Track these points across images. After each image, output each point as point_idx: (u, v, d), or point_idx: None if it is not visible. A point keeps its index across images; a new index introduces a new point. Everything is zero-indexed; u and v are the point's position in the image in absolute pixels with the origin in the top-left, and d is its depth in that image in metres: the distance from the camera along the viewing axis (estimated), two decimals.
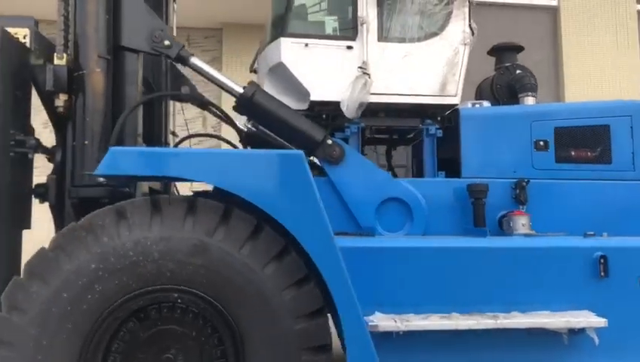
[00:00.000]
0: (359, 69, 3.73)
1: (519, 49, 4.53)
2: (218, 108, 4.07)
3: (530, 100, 4.17)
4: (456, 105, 3.89)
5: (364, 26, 3.78)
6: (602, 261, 3.11)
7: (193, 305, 2.62)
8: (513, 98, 4.25)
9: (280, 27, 3.88)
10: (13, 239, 3.34)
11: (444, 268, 3.04)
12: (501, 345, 2.98)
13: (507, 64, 4.42)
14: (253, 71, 4.54)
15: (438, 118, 3.96)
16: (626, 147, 3.90)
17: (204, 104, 4.37)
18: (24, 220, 3.49)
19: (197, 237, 2.55)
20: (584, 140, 3.90)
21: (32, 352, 2.46)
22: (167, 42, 3.60)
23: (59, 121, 3.56)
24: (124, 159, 2.65)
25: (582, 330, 2.97)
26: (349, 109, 3.66)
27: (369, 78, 3.69)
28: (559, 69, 10.49)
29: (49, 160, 3.75)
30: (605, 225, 3.63)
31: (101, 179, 3.33)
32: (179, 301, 2.61)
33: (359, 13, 3.81)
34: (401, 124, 3.98)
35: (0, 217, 3.16)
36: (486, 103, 4.19)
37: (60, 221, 3.58)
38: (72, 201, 3.40)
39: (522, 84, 4.18)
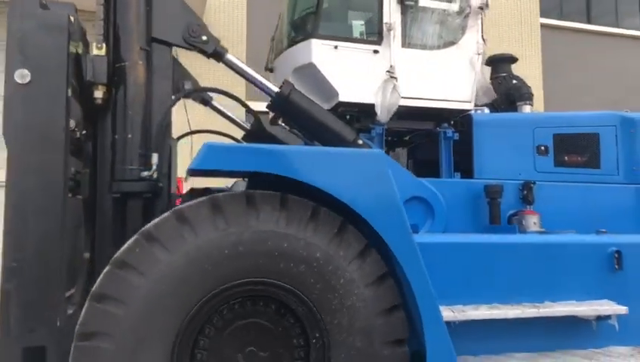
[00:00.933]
0: (387, 73, 3.94)
1: (514, 60, 4.93)
2: (242, 102, 4.09)
3: (527, 108, 4.57)
4: (470, 110, 4.20)
5: (391, 32, 4.00)
6: (617, 255, 3.52)
7: (281, 298, 2.72)
8: (511, 105, 4.63)
9: (309, 28, 4.01)
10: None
11: (488, 262, 3.31)
12: (537, 331, 3.30)
13: (503, 74, 4.80)
14: (269, 70, 4.61)
15: (452, 122, 4.24)
16: (612, 154, 4.38)
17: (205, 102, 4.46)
18: None
19: (290, 233, 2.65)
20: (578, 146, 4.34)
21: (129, 343, 2.46)
22: (204, 37, 3.63)
23: (93, 113, 3.49)
24: (221, 154, 2.69)
25: (606, 317, 3.37)
26: (382, 113, 3.86)
27: (397, 81, 3.91)
28: None
29: (73, 153, 3.65)
30: (596, 224, 4.07)
31: (145, 174, 3.34)
32: (268, 293, 2.70)
33: (385, 20, 4.02)
34: (418, 127, 4.23)
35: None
36: (486, 110, 4.54)
37: (91, 215, 3.51)
38: (113, 196, 3.35)
39: (521, 93, 4.58)
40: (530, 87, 4.67)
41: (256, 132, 4.58)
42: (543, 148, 4.26)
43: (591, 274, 3.48)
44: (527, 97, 4.57)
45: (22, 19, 2.94)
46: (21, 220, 2.79)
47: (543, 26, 13.80)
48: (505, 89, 4.67)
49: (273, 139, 4.63)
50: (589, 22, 15.06)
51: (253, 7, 11.71)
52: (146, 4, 3.54)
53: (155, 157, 3.43)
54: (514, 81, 4.68)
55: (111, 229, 3.37)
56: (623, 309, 3.34)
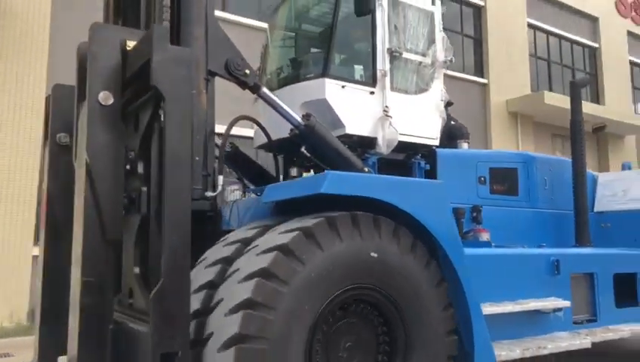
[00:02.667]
0: (384, 112, 4.76)
1: (450, 103, 6.04)
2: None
3: (465, 145, 5.71)
4: (437, 146, 5.18)
5: (384, 77, 4.83)
6: (556, 263, 4.73)
7: (372, 299, 3.37)
8: (451, 142, 5.70)
9: (321, 69, 4.67)
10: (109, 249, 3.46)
11: (492, 269, 4.27)
12: (516, 321, 4.33)
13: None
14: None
15: (420, 155, 5.17)
16: (525, 184, 5.69)
17: None
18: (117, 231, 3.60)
19: (385, 246, 3.33)
20: (505, 178, 5.56)
21: (279, 343, 2.92)
22: (247, 71, 4.12)
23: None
24: (341, 182, 3.28)
25: (556, 310, 4.53)
26: (383, 146, 4.67)
27: (391, 119, 4.75)
28: None
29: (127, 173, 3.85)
30: (517, 239, 5.32)
31: (209, 194, 3.76)
32: (364, 296, 3.34)
33: (379, 67, 4.85)
34: (398, 158, 5.08)
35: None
36: None
37: (143, 231, 3.75)
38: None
39: (461, 132, 5.70)
40: (467, 127, 5.83)
41: (235, 155, 5.12)
42: (482, 178, 5.41)
43: (540, 277, 4.63)
44: (466, 136, 5.72)
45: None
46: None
47: None
48: (447, 128, 5.73)
49: (251, 162, 5.21)
50: None
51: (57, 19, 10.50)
52: (205, 40, 3.95)
53: (220, 179, 3.84)
54: (452, 122, 5.77)
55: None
56: (567, 303, 4.55)
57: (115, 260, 3.41)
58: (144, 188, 3.55)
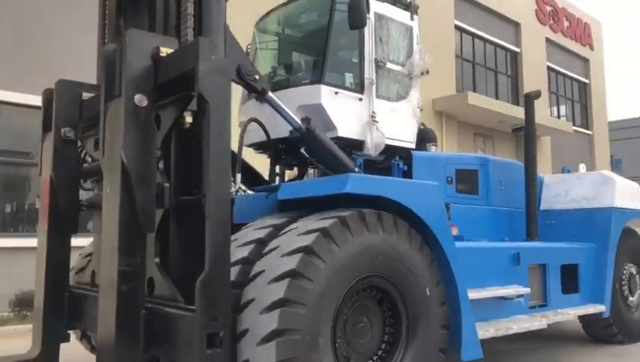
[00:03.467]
0: (371, 117, 5.27)
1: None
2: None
3: (433, 148, 6.31)
4: (413, 148, 5.74)
5: (371, 85, 5.33)
6: (517, 255, 5.41)
7: (379, 284, 3.86)
8: (420, 145, 6.28)
9: (317, 75, 5.11)
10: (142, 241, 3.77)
11: (472, 260, 4.85)
12: (486, 306, 4.95)
13: None
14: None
15: (398, 157, 5.72)
16: (484, 185, 6.37)
17: None
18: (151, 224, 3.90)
19: (400, 241, 3.84)
20: (467, 179, 6.21)
21: (311, 331, 3.34)
22: (257, 76, 4.49)
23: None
24: (362, 183, 3.75)
25: (518, 296, 5.21)
26: (372, 149, 5.18)
27: (378, 124, 5.27)
28: None
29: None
30: (480, 234, 6.00)
31: (233, 189, 4.13)
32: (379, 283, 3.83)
33: (366, 75, 5.35)
34: (379, 159, 5.60)
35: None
36: None
37: (165, 224, 4.08)
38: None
39: (429, 136, 6.29)
40: (434, 131, 6.43)
41: None
42: (449, 179, 6.03)
43: (505, 268, 5.30)
44: (434, 140, 6.32)
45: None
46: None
47: None
48: (418, 132, 6.30)
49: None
50: None
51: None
52: (225, 48, 4.29)
53: (238, 178, 4.22)
54: (421, 127, 6.35)
55: (184, 237, 4.04)
56: (527, 290, 5.25)
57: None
58: (166, 185, 3.88)
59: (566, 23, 26.52)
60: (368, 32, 5.34)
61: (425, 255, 4.03)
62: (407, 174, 5.71)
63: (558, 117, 26.16)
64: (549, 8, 25.20)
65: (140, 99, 3.57)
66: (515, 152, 21.82)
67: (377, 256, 3.72)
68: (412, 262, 3.91)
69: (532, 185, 6.41)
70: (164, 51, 3.71)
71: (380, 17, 5.49)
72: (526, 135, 6.59)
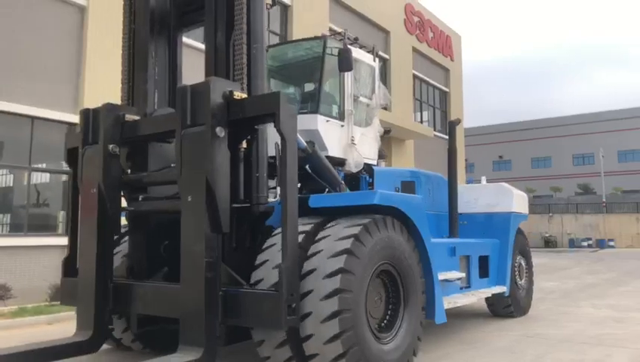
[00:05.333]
0: (351, 141, 6.83)
1: (388, 132, 8.20)
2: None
3: (383, 163, 7.98)
4: (374, 164, 7.37)
5: (350, 115, 6.90)
6: (454, 248, 7.22)
7: (391, 269, 5.42)
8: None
9: (313, 107, 6.57)
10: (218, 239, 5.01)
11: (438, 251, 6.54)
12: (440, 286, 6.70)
13: None
14: None
15: (364, 171, 7.32)
16: (419, 193, 8.15)
17: None
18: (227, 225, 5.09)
19: (397, 236, 5.40)
20: (408, 188, 7.95)
21: (357, 294, 4.83)
22: None
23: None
24: (382, 197, 5.26)
25: (456, 279, 7.01)
26: (352, 166, 6.73)
27: (357, 147, 6.85)
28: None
29: None
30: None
31: (271, 200, 5.49)
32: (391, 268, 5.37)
33: (346, 106, 6.90)
34: (354, 173, 7.15)
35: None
36: None
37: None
38: (256, 213, 5.36)
39: (381, 154, 7.95)
40: (385, 149, 8.11)
41: None
42: (397, 188, 7.74)
43: (447, 258, 7.11)
44: (384, 156, 8.00)
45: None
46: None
47: None
48: None
49: None
50: None
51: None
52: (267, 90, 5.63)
53: (279, 190, 5.58)
54: None
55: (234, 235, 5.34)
56: (463, 275, 7.10)
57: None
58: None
59: (430, 34, 29.11)
60: (348, 73, 6.89)
61: (411, 244, 5.63)
62: (371, 185, 7.34)
63: (422, 122, 28.84)
64: (416, 19, 27.55)
65: (220, 131, 4.82)
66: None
67: (385, 248, 5.26)
68: (404, 250, 5.50)
69: (454, 193, 8.31)
70: (238, 95, 4.97)
71: (355, 61, 7.05)
72: (449, 154, 8.49)
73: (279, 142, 4.82)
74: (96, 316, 5.45)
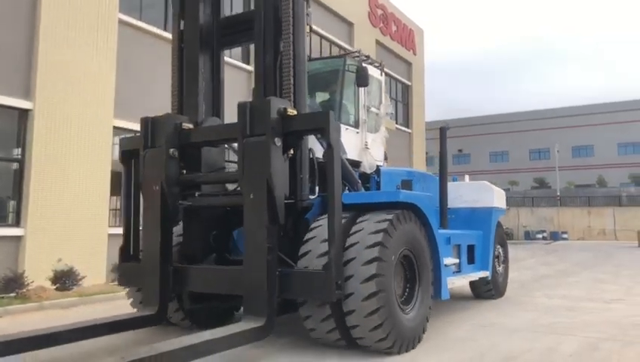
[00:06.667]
0: (365, 146, 8.05)
1: None
2: None
3: (386, 164, 9.22)
4: (382, 165, 8.61)
5: (364, 123, 8.11)
6: (449, 238, 8.51)
7: (410, 254, 6.64)
8: None
9: (335, 116, 7.74)
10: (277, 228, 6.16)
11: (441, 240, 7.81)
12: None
13: None
14: None
15: (374, 171, 8.54)
16: (415, 190, 9.43)
17: None
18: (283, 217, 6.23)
19: (413, 226, 6.64)
20: (407, 186, 9.21)
21: (389, 278, 6.04)
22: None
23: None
24: (404, 195, 6.48)
25: (453, 264, 8.30)
26: (367, 168, 7.95)
27: (370, 151, 8.07)
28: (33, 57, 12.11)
29: None
30: None
31: (312, 197, 6.67)
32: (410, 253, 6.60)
33: (361, 117, 8.12)
34: (365, 173, 8.36)
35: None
36: None
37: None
38: (299, 208, 6.52)
39: (385, 156, 9.19)
40: (386, 152, 9.35)
41: None
42: (398, 186, 8.97)
43: (445, 246, 8.39)
44: (386, 158, 9.23)
45: None
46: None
47: (122, 22, 14.23)
48: None
49: None
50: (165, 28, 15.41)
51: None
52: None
53: (317, 188, 6.76)
54: None
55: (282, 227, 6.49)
56: (457, 261, 8.43)
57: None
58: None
59: (394, 28, 29.66)
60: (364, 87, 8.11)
61: (422, 233, 6.88)
62: (378, 184, 8.58)
63: None
64: (379, 12, 28.01)
65: (277, 141, 5.96)
66: None
67: (405, 237, 6.49)
68: (419, 238, 6.75)
69: (444, 191, 9.61)
70: (290, 112, 6.11)
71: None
72: (440, 156, 9.79)
73: (314, 149, 5.96)
74: (160, 294, 6.52)
